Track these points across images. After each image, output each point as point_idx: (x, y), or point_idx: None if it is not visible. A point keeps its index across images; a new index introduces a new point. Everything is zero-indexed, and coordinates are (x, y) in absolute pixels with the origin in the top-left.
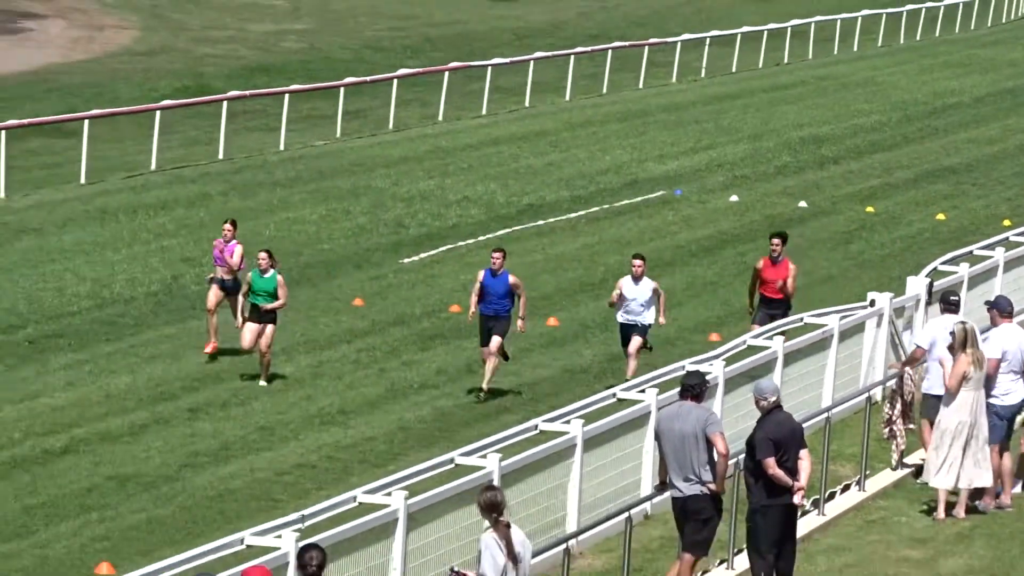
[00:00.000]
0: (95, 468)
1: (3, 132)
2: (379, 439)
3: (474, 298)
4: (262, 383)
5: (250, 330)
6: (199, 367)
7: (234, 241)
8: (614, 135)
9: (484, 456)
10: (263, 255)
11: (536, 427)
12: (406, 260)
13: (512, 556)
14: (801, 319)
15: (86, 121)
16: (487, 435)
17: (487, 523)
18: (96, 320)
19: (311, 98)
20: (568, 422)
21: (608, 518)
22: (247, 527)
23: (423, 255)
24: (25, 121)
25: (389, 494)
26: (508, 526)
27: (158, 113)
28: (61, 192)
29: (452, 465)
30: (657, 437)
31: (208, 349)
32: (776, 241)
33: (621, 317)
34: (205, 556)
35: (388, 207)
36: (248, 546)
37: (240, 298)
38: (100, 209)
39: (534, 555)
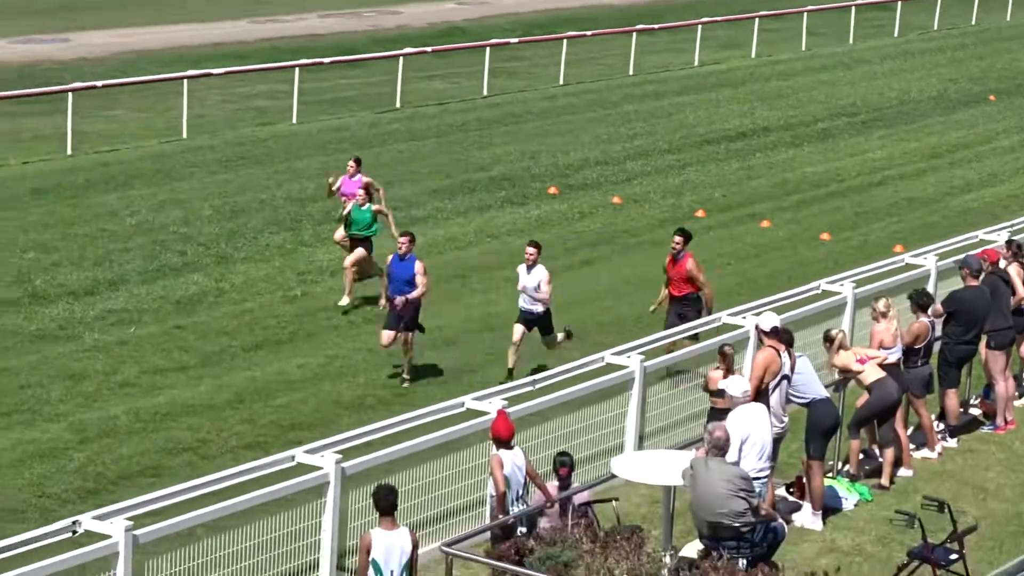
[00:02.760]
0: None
1: (633, 35)
2: None
3: (385, 281)
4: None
5: (354, 253)
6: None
7: (359, 175)
8: None
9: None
10: (361, 192)
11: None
12: None
13: None
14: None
15: (699, 27)
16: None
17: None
18: None
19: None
20: None
21: None
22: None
23: None
24: (655, 27)
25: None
26: None
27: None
28: (678, 70)
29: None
30: None
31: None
32: (678, 239)
33: (520, 303)
34: (785, 300)
35: None
36: (824, 290)
37: (341, 228)
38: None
39: None
